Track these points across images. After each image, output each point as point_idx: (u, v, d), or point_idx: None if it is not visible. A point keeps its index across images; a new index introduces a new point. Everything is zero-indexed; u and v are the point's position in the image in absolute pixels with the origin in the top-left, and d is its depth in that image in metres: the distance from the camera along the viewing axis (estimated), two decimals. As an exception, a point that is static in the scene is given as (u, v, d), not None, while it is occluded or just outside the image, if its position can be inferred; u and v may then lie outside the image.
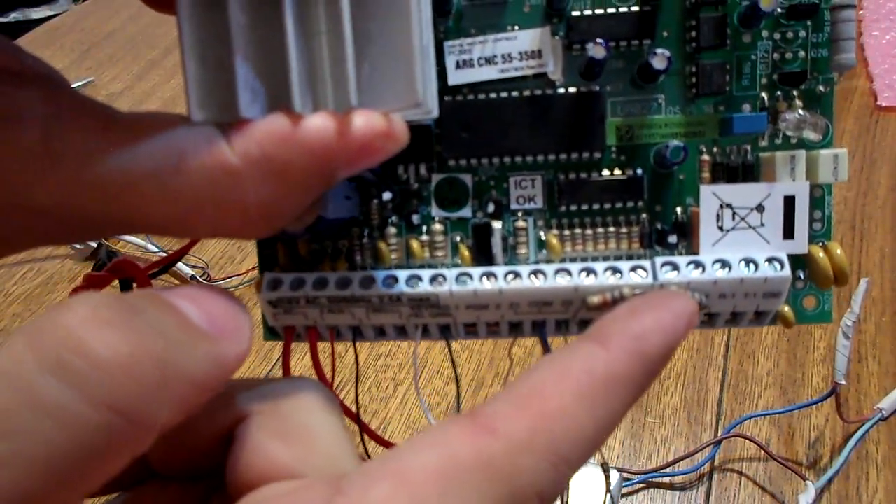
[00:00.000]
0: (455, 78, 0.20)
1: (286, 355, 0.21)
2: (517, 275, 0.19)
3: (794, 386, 0.41)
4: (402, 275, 0.19)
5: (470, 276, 0.19)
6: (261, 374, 0.43)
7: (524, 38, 0.20)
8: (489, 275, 0.19)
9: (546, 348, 0.20)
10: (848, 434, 0.38)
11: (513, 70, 0.20)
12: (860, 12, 0.74)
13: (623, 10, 0.20)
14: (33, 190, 0.14)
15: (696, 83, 0.20)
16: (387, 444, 0.24)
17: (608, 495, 0.33)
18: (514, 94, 0.20)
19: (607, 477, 0.33)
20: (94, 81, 0.73)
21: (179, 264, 0.49)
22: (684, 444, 0.38)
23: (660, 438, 0.39)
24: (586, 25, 0.20)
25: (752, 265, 0.18)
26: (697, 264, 0.19)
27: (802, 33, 0.20)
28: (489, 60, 0.20)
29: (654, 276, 0.18)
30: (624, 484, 0.35)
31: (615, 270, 0.19)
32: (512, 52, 0.20)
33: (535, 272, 0.19)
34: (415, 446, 0.14)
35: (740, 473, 0.37)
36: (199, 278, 0.49)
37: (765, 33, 0.20)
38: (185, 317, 0.13)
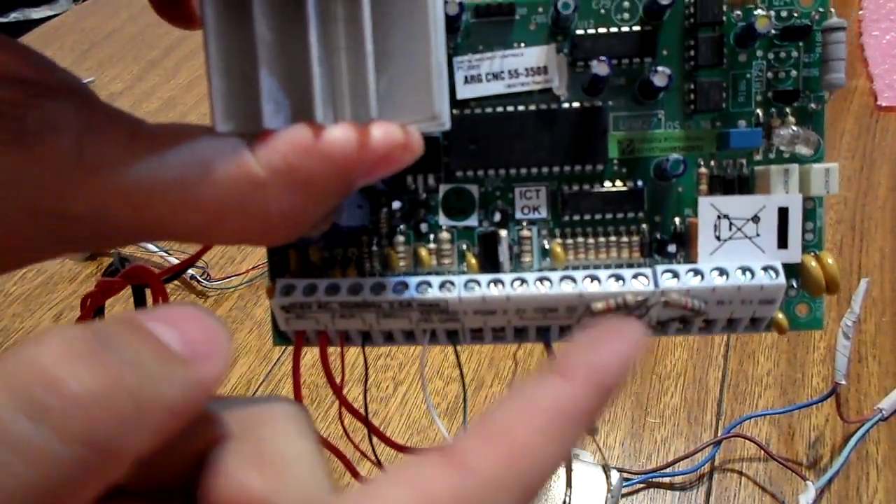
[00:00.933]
0: (464, 92, 0.21)
1: (297, 360, 0.22)
2: (524, 281, 0.19)
3: (794, 386, 0.41)
4: (413, 281, 0.20)
5: (478, 282, 0.20)
6: (260, 374, 0.43)
7: (530, 55, 0.21)
8: (497, 281, 0.20)
9: (550, 351, 0.21)
10: (848, 434, 0.38)
11: (519, 85, 0.21)
12: (860, 12, 0.74)
13: (625, 29, 0.21)
14: (67, 198, 0.14)
15: (695, 100, 0.21)
16: (395, 446, 0.24)
17: (608, 495, 0.33)
18: (521, 108, 0.21)
19: (608, 476, 0.33)
20: (94, 81, 0.73)
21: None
22: (684, 444, 0.38)
23: (660, 438, 0.39)
24: (590, 44, 0.21)
25: (748, 273, 0.19)
26: (696, 272, 0.19)
27: (795, 53, 0.21)
28: (496, 76, 0.21)
29: (656, 284, 0.19)
30: (624, 484, 0.35)
31: (618, 278, 0.19)
32: (518, 67, 0.21)
33: (541, 279, 0.19)
34: (390, 481, 0.14)
35: (740, 473, 0.37)
36: (200, 278, 0.49)
37: (759, 53, 0.21)
38: (159, 343, 0.13)
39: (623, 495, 0.36)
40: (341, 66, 0.16)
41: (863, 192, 0.54)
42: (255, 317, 0.47)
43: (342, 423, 0.23)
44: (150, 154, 0.15)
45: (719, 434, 0.38)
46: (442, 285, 0.19)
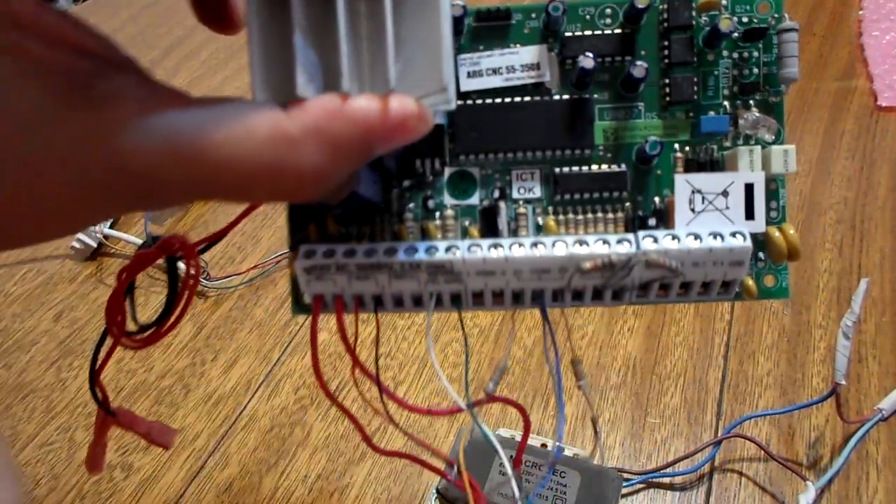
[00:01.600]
0: (466, 85, 0.24)
1: (314, 324, 0.23)
2: (521, 245, 0.22)
3: (794, 386, 0.41)
4: (422, 245, 0.22)
5: (480, 246, 0.22)
6: (260, 374, 0.43)
7: (525, 54, 0.24)
8: (497, 245, 0.22)
9: (545, 316, 0.23)
10: (848, 434, 0.38)
11: (515, 79, 0.24)
12: (860, 12, 0.74)
13: (608, 31, 0.24)
14: (128, 156, 0.17)
15: (670, 93, 0.24)
16: (410, 407, 0.25)
17: (597, 445, 0.33)
18: (517, 99, 0.24)
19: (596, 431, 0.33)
20: (94, 81, 0.73)
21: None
22: (684, 444, 0.38)
23: (660, 438, 0.39)
24: (577, 44, 0.24)
25: (719, 237, 0.22)
26: (674, 237, 0.22)
27: (756, 53, 0.24)
28: (495, 71, 0.24)
29: (638, 246, 0.21)
30: (624, 484, 0.35)
31: (604, 241, 0.22)
32: (514, 64, 0.24)
33: (535, 243, 0.22)
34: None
35: (740, 473, 0.37)
36: (199, 277, 0.49)
37: (725, 53, 0.24)
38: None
39: (623, 495, 0.36)
40: (363, 53, 0.19)
41: (863, 192, 0.54)
42: (255, 317, 0.47)
43: (357, 387, 0.25)
44: (199, 118, 0.17)
45: (719, 434, 0.38)
46: (448, 248, 0.22)
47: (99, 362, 0.26)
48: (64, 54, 0.18)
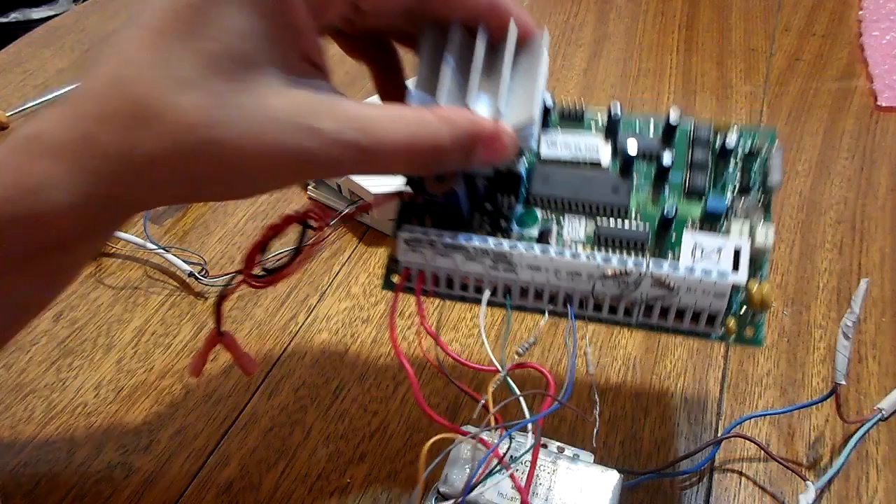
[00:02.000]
0: (545, 152, 0.33)
1: (397, 294, 0.32)
2: (562, 253, 0.30)
3: (794, 386, 0.41)
4: (491, 240, 0.31)
5: (533, 248, 0.30)
6: (260, 374, 0.43)
7: (590, 139, 0.33)
8: (545, 249, 0.30)
9: (572, 316, 0.31)
10: (848, 434, 0.38)
11: (580, 156, 0.33)
12: (860, 12, 0.74)
13: (650, 136, 0.33)
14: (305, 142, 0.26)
15: (689, 186, 0.32)
16: (455, 358, 0.33)
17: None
18: (579, 168, 0.33)
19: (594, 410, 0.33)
20: (94, 81, 0.73)
21: (178, 262, 0.50)
22: (684, 444, 0.38)
23: (660, 438, 0.39)
24: (626, 139, 0.33)
25: (709, 273, 0.29)
26: (675, 267, 0.29)
27: (755, 167, 0.32)
28: (567, 147, 0.33)
29: (648, 266, 0.29)
30: (624, 484, 0.35)
31: (623, 260, 0.29)
32: (581, 145, 0.33)
33: (573, 254, 0.30)
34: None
35: (740, 473, 0.37)
36: (198, 275, 0.49)
37: (731, 164, 0.32)
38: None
39: (623, 495, 0.36)
40: (484, 85, 0.30)
41: (863, 192, 0.54)
42: (254, 317, 0.47)
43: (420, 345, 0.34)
44: (375, 114, 0.27)
45: (719, 434, 0.38)
46: (510, 245, 0.30)
47: (226, 295, 0.34)
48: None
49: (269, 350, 0.44)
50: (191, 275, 0.49)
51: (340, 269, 0.50)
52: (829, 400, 0.36)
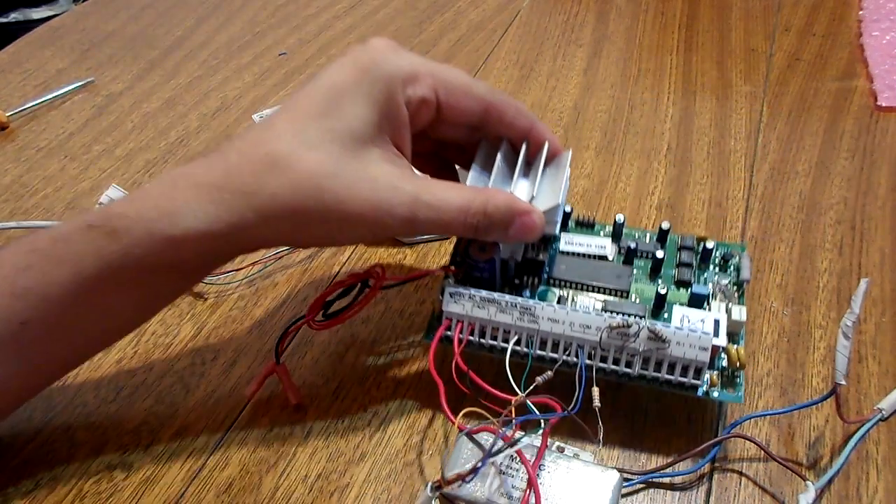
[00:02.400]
0: (564, 247, 0.42)
1: (437, 336, 0.38)
2: (576, 309, 0.36)
3: (794, 386, 0.41)
4: (519, 298, 0.37)
5: (553, 305, 0.37)
6: (259, 374, 0.43)
7: (599, 240, 0.43)
8: (563, 306, 0.37)
9: (581, 367, 0.36)
10: (848, 434, 0.38)
11: (591, 250, 0.42)
12: (860, 13, 0.74)
13: (647, 240, 0.43)
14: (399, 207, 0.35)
15: (678, 279, 0.41)
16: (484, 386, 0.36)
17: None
18: (590, 260, 0.42)
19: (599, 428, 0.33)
20: (94, 81, 0.73)
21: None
22: (684, 444, 0.38)
23: (660, 438, 0.39)
24: (628, 241, 0.42)
25: (695, 330, 0.36)
26: (668, 325, 0.36)
27: (731, 266, 0.42)
28: (580, 244, 0.43)
29: (645, 321, 0.36)
30: (624, 484, 0.35)
31: (626, 317, 0.36)
32: (591, 243, 0.42)
33: (585, 311, 0.36)
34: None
35: (740, 473, 0.37)
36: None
37: (711, 266, 0.42)
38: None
39: (623, 495, 0.36)
40: (519, 178, 0.40)
41: (863, 192, 0.54)
42: (255, 317, 0.47)
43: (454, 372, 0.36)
44: (428, 189, 0.36)
45: (719, 434, 0.38)
46: (535, 302, 0.37)
47: (288, 333, 0.41)
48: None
49: (269, 350, 0.44)
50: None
51: (340, 269, 0.50)
52: (829, 400, 0.36)
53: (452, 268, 0.39)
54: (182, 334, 0.46)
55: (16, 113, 0.69)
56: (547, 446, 0.34)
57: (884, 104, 0.62)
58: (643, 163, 0.58)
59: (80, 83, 0.72)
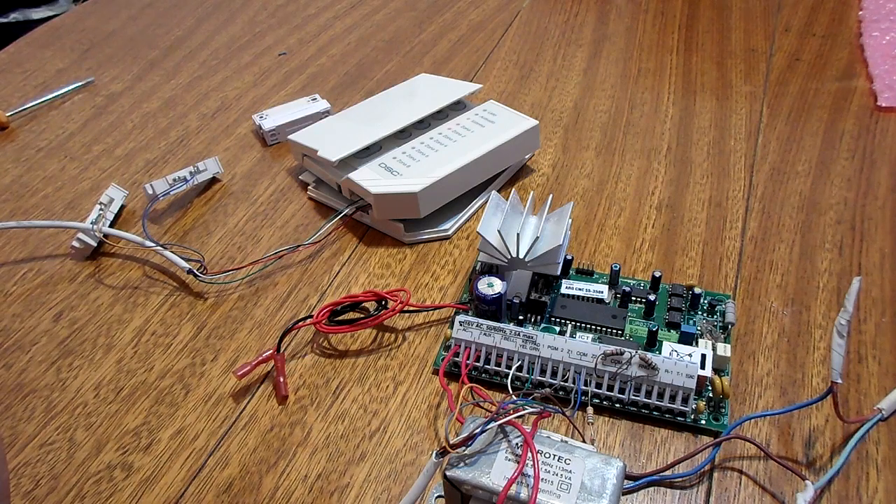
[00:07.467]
0: (565, 291, 0.46)
1: (445, 361, 0.42)
2: (574, 337, 0.42)
3: (793, 386, 0.41)
4: (522, 328, 0.41)
5: (553, 335, 0.40)
6: (261, 374, 0.43)
7: (597, 286, 0.47)
8: (563, 334, 0.42)
9: (578, 391, 0.39)
10: (848, 434, 0.38)
11: (589, 294, 0.46)
12: (860, 13, 0.74)
13: (640, 287, 0.47)
14: None
15: (669, 321, 0.44)
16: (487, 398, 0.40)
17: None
18: (588, 300, 0.46)
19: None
20: (94, 81, 0.73)
21: (176, 259, 0.50)
22: (684, 445, 0.38)
23: (660, 438, 0.39)
24: (624, 286, 0.46)
25: (683, 359, 0.39)
26: (659, 354, 0.40)
27: (718, 311, 0.45)
28: (580, 289, 0.46)
29: (637, 350, 0.39)
30: (624, 484, 0.34)
31: (619, 346, 0.39)
32: (590, 288, 0.46)
33: (583, 340, 0.41)
34: None
35: (740, 473, 0.37)
36: (196, 272, 0.49)
37: (700, 311, 0.45)
38: None
39: (623, 495, 0.36)
40: (525, 227, 0.46)
41: (863, 193, 0.54)
42: (255, 317, 0.47)
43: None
44: None
45: (719, 434, 0.38)
46: (537, 332, 0.40)
47: (293, 328, 0.44)
48: None
49: (268, 350, 0.44)
50: (189, 272, 0.49)
51: (340, 269, 0.50)
52: (828, 400, 0.36)
53: (466, 305, 0.46)
54: (182, 334, 0.46)
55: (16, 113, 0.69)
56: (547, 437, 0.34)
57: (884, 104, 0.62)
58: (643, 163, 0.58)
59: (79, 83, 0.72)
